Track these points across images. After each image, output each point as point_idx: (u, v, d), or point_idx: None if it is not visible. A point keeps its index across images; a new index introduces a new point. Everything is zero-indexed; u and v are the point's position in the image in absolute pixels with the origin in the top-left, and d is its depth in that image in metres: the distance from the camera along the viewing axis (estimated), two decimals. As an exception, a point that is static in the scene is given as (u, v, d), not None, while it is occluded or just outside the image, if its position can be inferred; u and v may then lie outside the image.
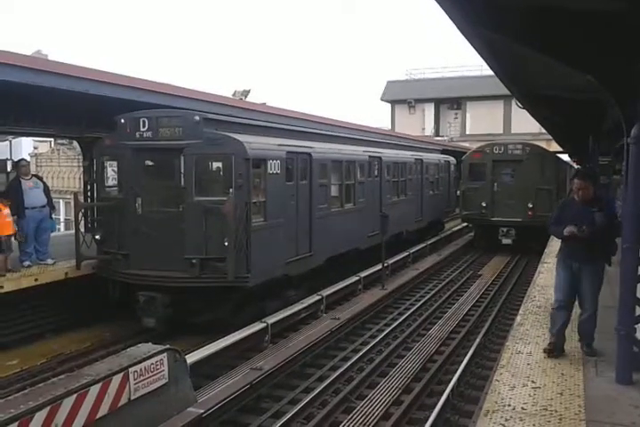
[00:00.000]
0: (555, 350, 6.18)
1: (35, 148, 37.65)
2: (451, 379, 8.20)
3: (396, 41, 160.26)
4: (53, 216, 11.90)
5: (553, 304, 6.46)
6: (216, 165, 10.13)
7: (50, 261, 10.60)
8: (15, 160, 13.65)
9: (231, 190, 9.42)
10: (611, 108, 8.55)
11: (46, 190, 11.02)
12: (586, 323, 6.25)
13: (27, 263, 10.24)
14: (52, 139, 32.55)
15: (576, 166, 30.40)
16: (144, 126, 9.71)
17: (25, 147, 36.91)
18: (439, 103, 44.07)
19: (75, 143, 24.14)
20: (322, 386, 7.95)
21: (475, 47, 6.84)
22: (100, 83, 9.59)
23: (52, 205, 11.15)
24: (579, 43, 5.50)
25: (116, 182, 10.57)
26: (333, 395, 7.80)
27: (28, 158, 31.02)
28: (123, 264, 9.87)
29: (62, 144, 33.65)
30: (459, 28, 5.81)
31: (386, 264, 14.10)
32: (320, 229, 12.09)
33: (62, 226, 27.47)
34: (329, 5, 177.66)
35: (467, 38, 6.35)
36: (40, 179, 11.30)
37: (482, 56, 7.41)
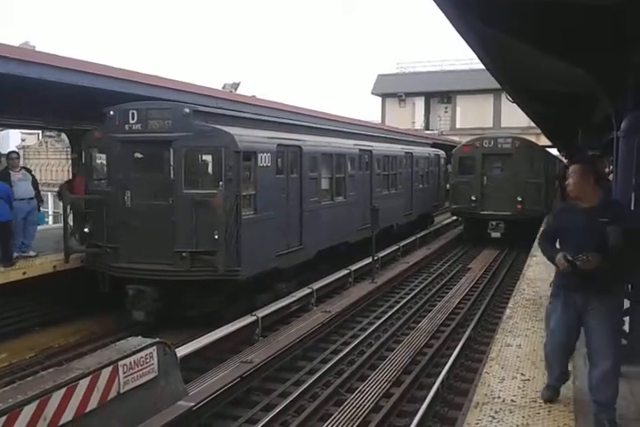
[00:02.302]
0: (553, 394, 4.82)
1: (22, 140, 37.32)
2: (440, 372, 8.23)
3: (386, 34, 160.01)
4: (42, 209, 11.86)
5: (545, 345, 4.89)
6: (206, 157, 10.07)
7: (32, 253, 10.56)
8: (3, 153, 13.58)
9: (221, 183, 9.38)
10: (601, 102, 8.58)
11: (34, 183, 11.00)
12: (602, 384, 4.37)
13: (14, 255, 10.17)
14: (40, 131, 32.28)
15: (565, 160, 30.57)
16: (133, 118, 9.63)
17: (12, 139, 36.58)
18: (429, 97, 44.11)
19: (63, 135, 23.93)
20: (312, 379, 7.96)
21: (466, 41, 6.83)
22: (89, 74, 9.47)
23: (39, 198, 11.11)
24: (572, 36, 5.51)
25: (105, 175, 10.49)
26: (324, 388, 7.82)
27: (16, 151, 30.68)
28: (112, 257, 9.81)
29: (50, 136, 33.38)
30: (450, 20, 5.80)
31: (376, 257, 14.12)
32: (310, 222, 12.08)
33: (51, 219, 27.31)
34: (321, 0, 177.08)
35: (458, 32, 6.34)
36: (29, 171, 11.29)
37: (473, 49, 7.41)
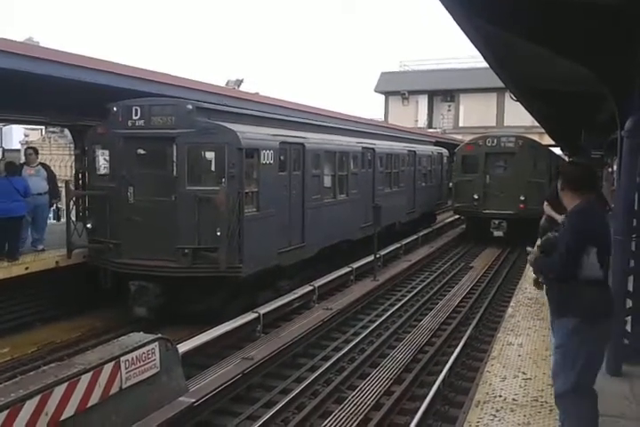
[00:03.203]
0: None
1: (25, 135, 37.36)
2: (441, 370, 8.23)
3: (390, 32, 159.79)
4: (60, 206, 12.07)
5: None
6: (209, 154, 10.07)
7: (40, 247, 10.64)
8: (6, 148, 13.72)
9: (224, 180, 9.38)
10: (606, 102, 8.55)
11: (51, 179, 11.16)
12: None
13: (20, 249, 10.26)
14: (43, 127, 32.31)
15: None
16: (136, 115, 9.64)
17: (15, 135, 36.65)
18: (432, 95, 43.99)
19: (66, 131, 23.97)
20: (313, 376, 7.96)
21: (470, 39, 6.82)
22: (92, 70, 9.49)
23: (53, 194, 11.24)
24: (577, 36, 5.50)
25: (107, 171, 10.50)
26: (325, 385, 7.82)
27: (19, 146, 30.79)
28: (114, 253, 9.83)
29: (53, 132, 33.44)
30: (455, 19, 5.79)
31: (378, 255, 14.11)
32: (313, 219, 12.08)
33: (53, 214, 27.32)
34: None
35: (462, 30, 6.33)
36: (46, 168, 11.45)
37: (477, 48, 7.40)
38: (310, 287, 11.47)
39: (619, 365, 5.50)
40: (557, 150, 31.22)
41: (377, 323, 10.60)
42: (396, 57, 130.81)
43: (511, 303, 8.52)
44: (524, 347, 6.26)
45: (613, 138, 11.84)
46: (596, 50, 5.56)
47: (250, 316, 9.40)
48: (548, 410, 4.69)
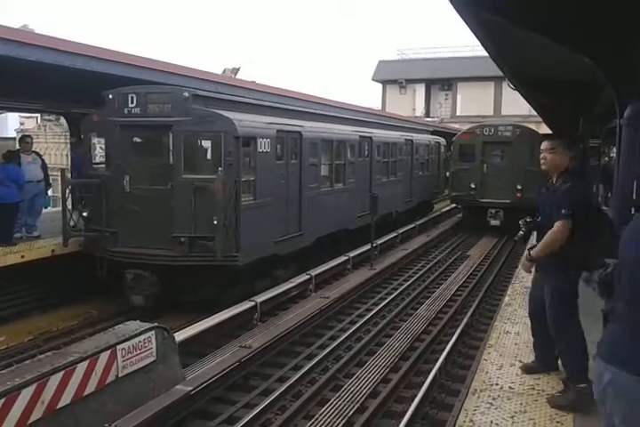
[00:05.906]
0: None
1: (21, 124, 37.16)
2: (438, 358, 8.25)
3: (388, 20, 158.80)
4: (50, 193, 12.33)
5: None
6: (205, 142, 10.01)
7: (35, 233, 10.68)
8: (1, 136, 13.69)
9: (220, 169, 9.32)
10: (604, 90, 8.52)
11: (44, 166, 11.34)
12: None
13: (17, 235, 10.26)
14: (39, 115, 32.12)
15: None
16: (132, 102, 9.56)
17: (11, 123, 36.42)
18: (430, 84, 43.84)
19: (62, 119, 23.84)
20: (310, 364, 7.98)
21: (470, 27, 6.77)
22: (88, 57, 9.39)
23: (48, 181, 11.48)
24: (576, 24, 5.45)
25: (103, 159, 10.44)
26: (322, 373, 7.84)
27: (14, 134, 30.62)
28: (110, 242, 9.80)
29: (49, 120, 33.25)
30: (454, 6, 5.74)
31: (375, 244, 14.12)
32: (310, 208, 12.05)
33: (50, 202, 27.26)
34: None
35: (462, 18, 6.27)
36: (39, 155, 11.67)
37: (476, 36, 7.35)
38: (307, 276, 11.46)
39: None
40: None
41: (374, 311, 10.62)
42: (393, 45, 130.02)
43: (507, 292, 8.53)
44: (520, 335, 6.26)
45: (612, 126, 11.81)
46: (595, 38, 5.52)
47: (247, 304, 9.40)
48: (545, 398, 4.70)
